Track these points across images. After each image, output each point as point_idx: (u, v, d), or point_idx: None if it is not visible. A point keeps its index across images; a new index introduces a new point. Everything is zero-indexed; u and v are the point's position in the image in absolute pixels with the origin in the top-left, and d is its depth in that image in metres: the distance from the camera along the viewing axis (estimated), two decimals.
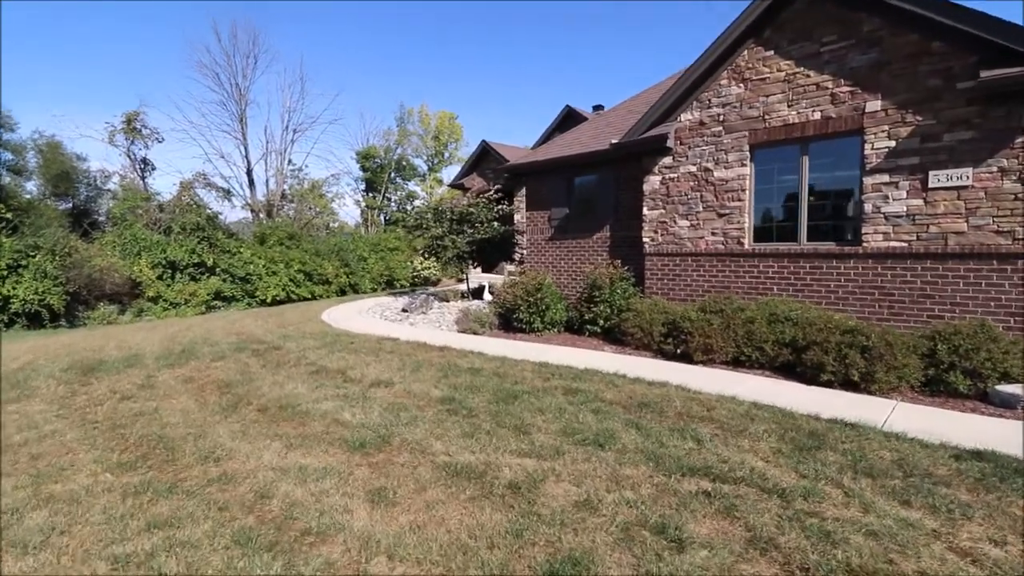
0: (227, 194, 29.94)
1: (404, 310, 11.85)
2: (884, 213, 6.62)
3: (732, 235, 7.86)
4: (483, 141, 20.06)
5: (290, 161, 34.95)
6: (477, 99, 72.09)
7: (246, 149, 32.44)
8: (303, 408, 5.02)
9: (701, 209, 8.17)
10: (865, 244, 6.75)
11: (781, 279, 7.44)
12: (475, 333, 9.12)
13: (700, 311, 7.11)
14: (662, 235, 8.62)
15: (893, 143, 6.53)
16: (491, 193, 13.63)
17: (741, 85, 7.71)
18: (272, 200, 33.04)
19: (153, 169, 30.20)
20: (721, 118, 7.91)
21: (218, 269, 20.74)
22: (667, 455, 3.77)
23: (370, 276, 25.63)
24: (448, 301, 13.27)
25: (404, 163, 42.87)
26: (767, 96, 7.47)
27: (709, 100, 8.02)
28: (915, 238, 6.42)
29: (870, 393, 5.47)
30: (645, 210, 8.79)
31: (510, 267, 18.90)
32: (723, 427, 4.35)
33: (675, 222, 8.47)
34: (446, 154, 46.55)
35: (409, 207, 42.90)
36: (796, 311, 6.56)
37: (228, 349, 8.06)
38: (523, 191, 18.75)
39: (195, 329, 10.70)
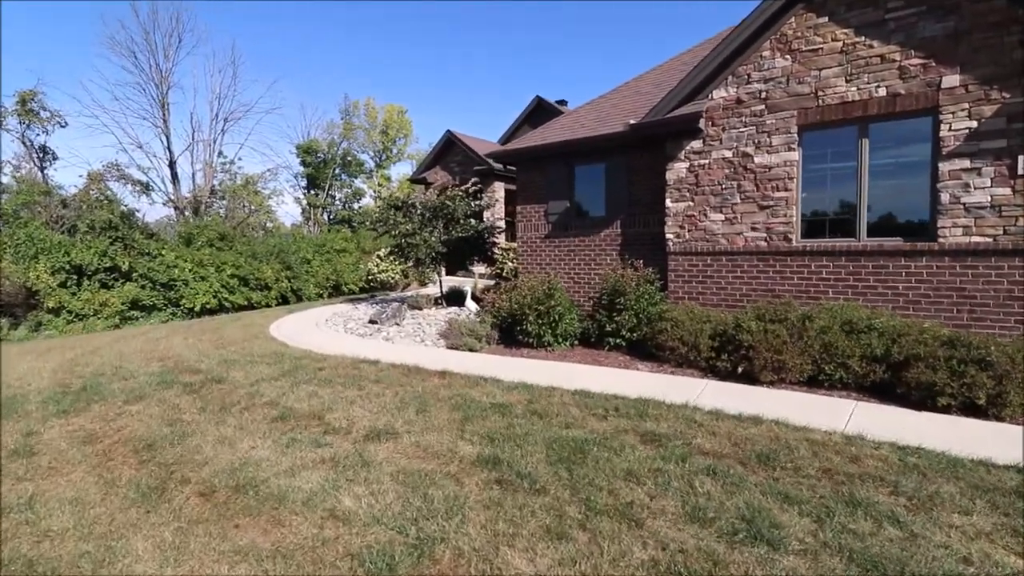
0: (146, 188, 26.44)
1: (372, 321, 10.06)
2: (964, 204, 5.71)
3: (777, 230, 6.78)
4: (448, 131, 18.38)
5: (220, 153, 31.53)
6: (426, 95, 69.72)
7: (168, 139, 28.84)
8: (272, 488, 3.31)
9: (738, 200, 7.04)
10: (941, 240, 5.82)
11: (837, 280, 6.42)
12: (471, 350, 7.54)
13: (757, 319, 5.94)
14: (690, 231, 7.44)
15: (975, 123, 5.64)
16: (469, 186, 12.07)
17: (788, 57, 6.64)
18: (200, 196, 29.58)
19: (55, 159, 26.14)
20: (763, 95, 6.81)
21: (135, 274, 17.84)
22: (882, 558, 2.45)
23: (315, 281, 23.20)
24: (421, 309, 11.57)
25: (350, 158, 40.14)
26: (820, 70, 6.43)
27: (748, 75, 6.91)
28: (1001, 232, 5.54)
29: (999, 419, 4.45)
30: (669, 202, 7.58)
31: (480, 269, 17.40)
32: (899, 491, 3.10)
33: (706, 216, 7.30)
34: (394, 150, 44.23)
35: (356, 205, 40.32)
36: (880, 319, 5.51)
37: (149, 383, 6.04)
38: (493, 186, 17.27)
39: (103, 353, 8.40)
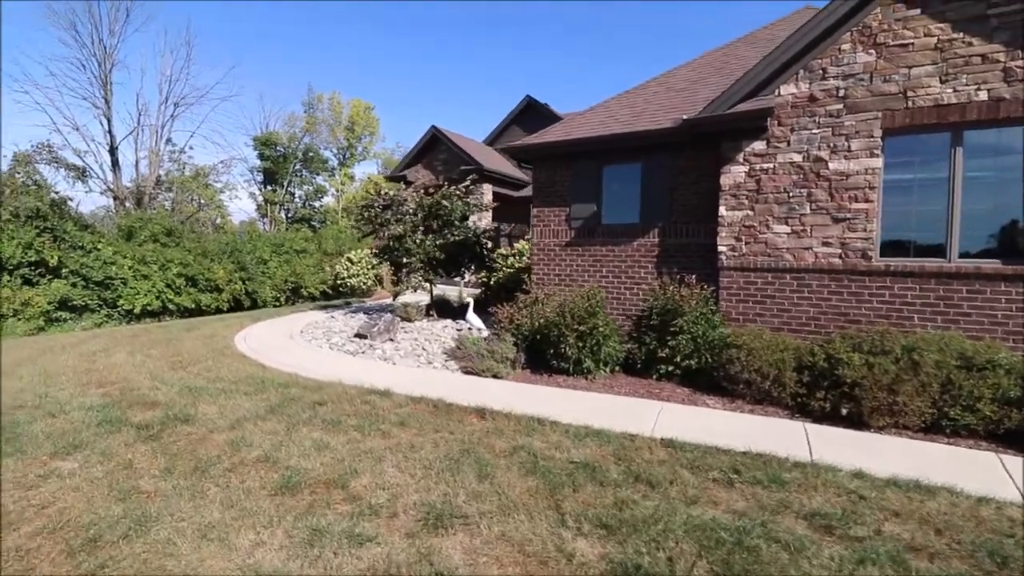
0: (82, 174, 23.58)
1: (360, 335, 8.65)
2: None
3: (854, 246, 5.98)
4: (433, 127, 17.06)
5: (169, 140, 28.77)
6: (394, 94, 67.70)
7: (109, 121, 25.93)
8: None
9: (808, 211, 6.21)
10: None
11: (925, 306, 5.66)
12: (496, 376, 6.33)
13: (854, 350, 5.06)
14: (748, 243, 6.55)
15: None
16: (467, 184, 10.86)
17: (872, 52, 5.88)
18: (143, 186, 26.81)
19: None
20: (841, 93, 6.02)
21: (65, 270, 15.56)
22: None
23: (272, 283, 21.16)
24: (411, 321, 10.24)
25: (311, 154, 37.85)
26: (910, 68, 5.69)
27: (824, 69, 6.11)
28: None
29: None
30: (723, 210, 6.67)
31: (468, 276, 16.14)
32: None
33: (768, 227, 6.44)
34: (359, 148, 42.22)
35: (318, 203, 38.07)
36: (1001, 354, 4.74)
37: (88, 423, 4.50)
38: (482, 188, 16.15)
39: (24, 372, 6.62)
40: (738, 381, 5.53)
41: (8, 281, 14.64)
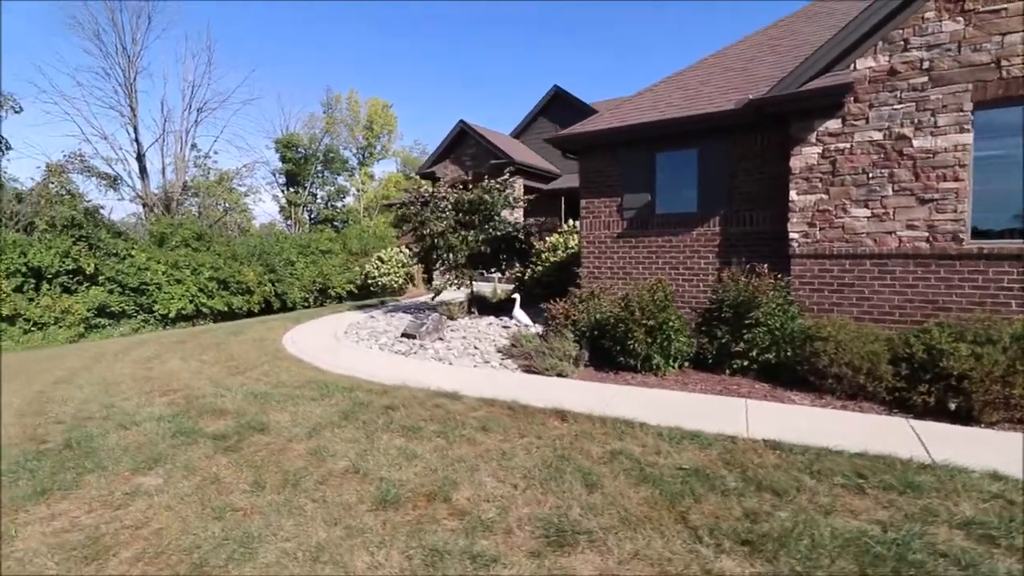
0: (113, 182, 23.90)
1: (408, 335, 8.50)
2: None
3: (943, 229, 5.59)
4: (461, 122, 16.83)
5: (194, 146, 29.05)
6: (410, 90, 67.70)
7: (136, 129, 26.26)
8: None
9: (890, 192, 5.84)
10: None
11: None
12: (560, 375, 6.11)
13: (957, 340, 4.71)
14: (822, 229, 6.20)
15: None
16: (506, 177, 10.60)
17: (959, 19, 5.46)
18: (171, 192, 27.13)
19: (8, 148, 23.31)
20: (926, 65, 5.62)
21: (102, 277, 15.77)
22: None
23: (300, 284, 21.19)
24: (454, 319, 10.07)
25: (332, 155, 37.94)
26: (1003, 35, 5.27)
27: (906, 40, 5.71)
28: None
29: None
30: (794, 195, 6.32)
31: (497, 274, 15.92)
32: None
33: (846, 211, 6.07)
34: (378, 147, 42.21)
35: (339, 204, 38.18)
36: None
37: (162, 434, 4.39)
38: (516, 183, 15.89)
39: (82, 380, 6.59)
40: (826, 375, 5.21)
41: (47, 289, 14.88)
